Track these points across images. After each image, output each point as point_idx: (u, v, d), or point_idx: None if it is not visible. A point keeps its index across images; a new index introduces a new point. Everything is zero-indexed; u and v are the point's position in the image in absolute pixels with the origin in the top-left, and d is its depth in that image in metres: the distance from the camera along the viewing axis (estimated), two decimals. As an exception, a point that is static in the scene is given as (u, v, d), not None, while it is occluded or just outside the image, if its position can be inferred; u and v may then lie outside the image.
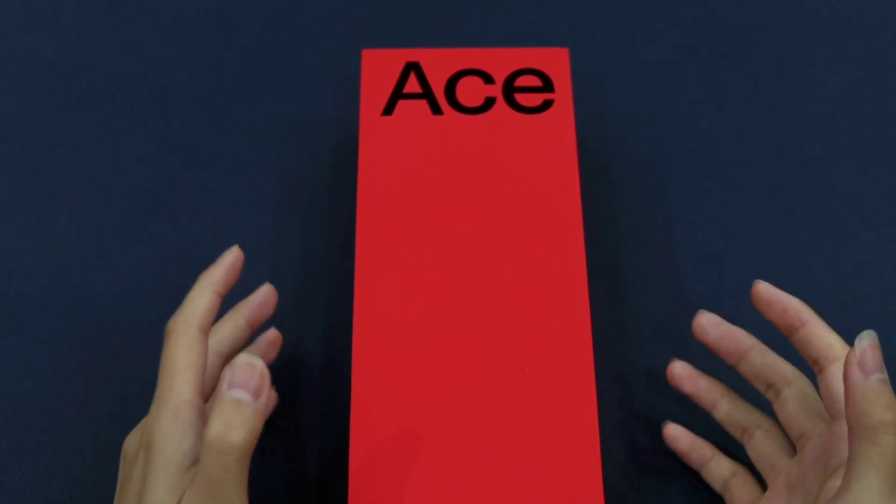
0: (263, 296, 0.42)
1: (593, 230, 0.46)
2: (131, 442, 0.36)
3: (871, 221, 0.51)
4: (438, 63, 0.46)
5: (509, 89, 0.46)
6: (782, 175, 0.52)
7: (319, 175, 0.52)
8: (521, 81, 0.46)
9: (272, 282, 0.48)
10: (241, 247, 0.49)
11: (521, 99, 0.45)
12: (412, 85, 0.46)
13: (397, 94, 0.45)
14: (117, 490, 0.36)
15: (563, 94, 0.46)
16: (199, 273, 0.49)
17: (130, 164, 0.52)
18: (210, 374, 0.38)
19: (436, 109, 0.45)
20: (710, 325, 0.41)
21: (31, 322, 0.47)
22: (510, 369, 0.39)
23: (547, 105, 0.45)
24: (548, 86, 0.46)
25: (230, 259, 0.38)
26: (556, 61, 0.46)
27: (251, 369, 0.32)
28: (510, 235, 0.42)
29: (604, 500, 0.37)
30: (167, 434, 0.33)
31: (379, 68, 0.46)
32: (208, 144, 0.53)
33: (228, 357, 0.40)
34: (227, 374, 0.32)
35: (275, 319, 0.47)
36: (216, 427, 0.31)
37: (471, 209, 0.43)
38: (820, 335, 0.37)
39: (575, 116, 0.45)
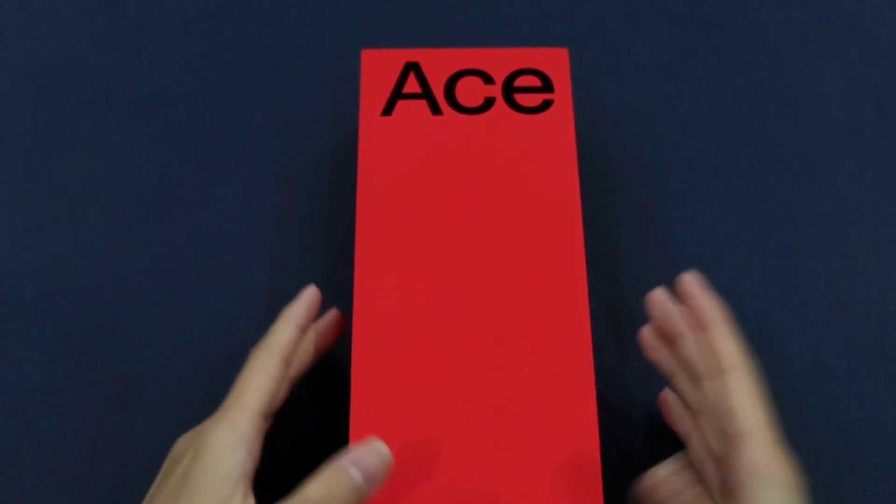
0: (330, 320, 0.43)
1: (593, 230, 0.46)
2: (182, 443, 0.37)
3: (871, 221, 0.51)
4: (438, 63, 0.46)
5: (509, 89, 0.46)
6: (782, 175, 0.52)
7: (319, 175, 0.52)
8: (521, 81, 0.46)
9: (272, 281, 0.49)
10: (241, 247, 0.50)
11: (521, 99, 0.45)
12: (411, 85, 0.46)
13: (397, 95, 0.45)
14: (155, 483, 0.36)
15: (563, 94, 0.45)
16: (199, 273, 0.50)
17: (130, 164, 0.52)
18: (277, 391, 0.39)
19: (435, 109, 0.45)
20: (656, 301, 0.40)
21: (31, 322, 0.47)
22: (510, 369, 0.39)
23: (546, 105, 0.45)
24: (547, 86, 0.46)
25: (309, 296, 0.41)
26: (555, 61, 0.46)
27: (378, 457, 0.35)
28: (510, 235, 0.42)
29: (603, 500, 0.37)
30: (220, 441, 0.34)
31: (378, 68, 0.46)
32: (208, 144, 0.53)
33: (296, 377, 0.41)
34: (354, 451, 0.35)
35: (273, 318, 0.48)
36: (319, 490, 0.34)
37: (470, 209, 0.43)
38: (717, 344, 0.37)
39: (574, 116, 0.45)
